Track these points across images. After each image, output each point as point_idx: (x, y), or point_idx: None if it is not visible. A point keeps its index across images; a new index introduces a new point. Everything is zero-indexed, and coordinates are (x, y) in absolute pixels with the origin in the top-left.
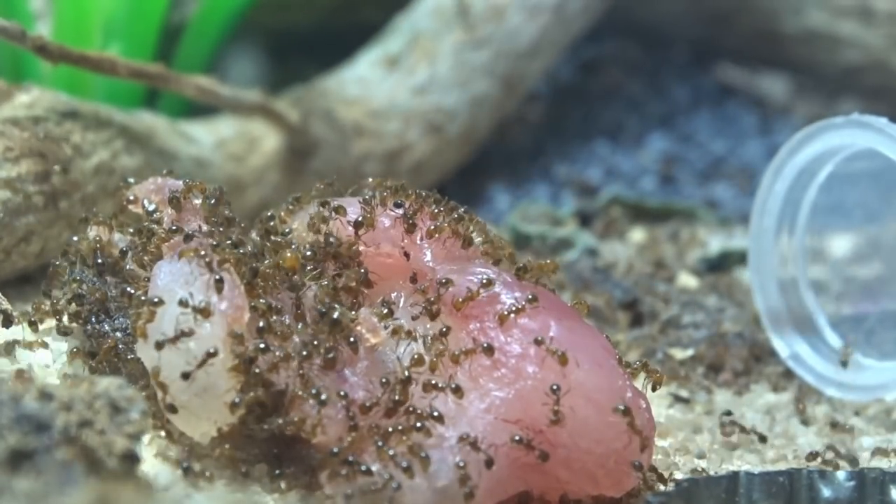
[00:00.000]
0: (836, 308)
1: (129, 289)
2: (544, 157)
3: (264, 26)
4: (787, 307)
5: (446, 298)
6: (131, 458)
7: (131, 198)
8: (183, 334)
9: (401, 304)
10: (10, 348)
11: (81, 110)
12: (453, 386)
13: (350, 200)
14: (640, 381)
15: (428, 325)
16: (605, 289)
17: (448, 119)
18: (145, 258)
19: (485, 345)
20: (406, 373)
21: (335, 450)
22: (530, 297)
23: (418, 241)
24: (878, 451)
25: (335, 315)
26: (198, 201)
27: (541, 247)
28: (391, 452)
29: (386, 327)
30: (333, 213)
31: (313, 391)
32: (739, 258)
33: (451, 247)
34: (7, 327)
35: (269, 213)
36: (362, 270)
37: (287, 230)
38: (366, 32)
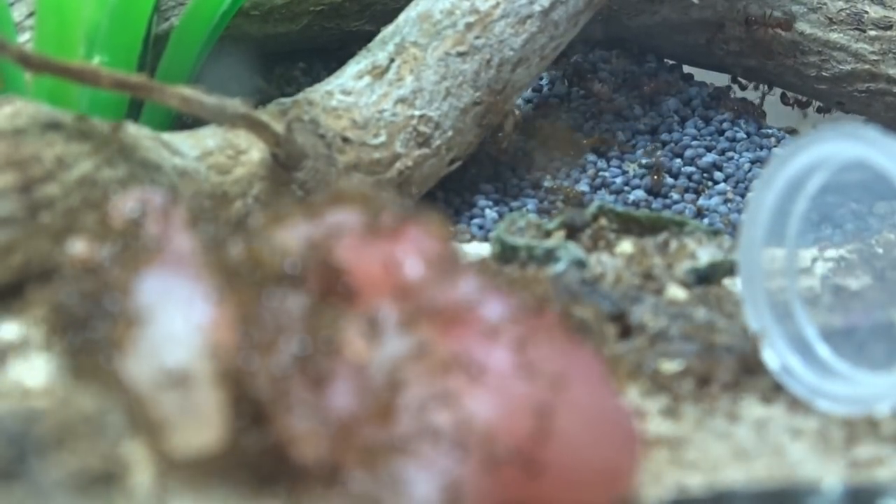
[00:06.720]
0: (827, 320)
1: (109, 301)
2: (532, 168)
3: (250, 36)
4: (777, 319)
5: (433, 313)
6: (111, 475)
7: (114, 209)
8: (165, 347)
9: (387, 319)
10: None
11: (64, 121)
12: (440, 403)
13: (334, 212)
14: (628, 396)
15: (414, 341)
16: (593, 301)
17: (434, 129)
18: (126, 270)
19: (472, 361)
20: (392, 389)
21: (319, 466)
22: (518, 311)
23: (405, 255)
24: (869, 464)
25: (320, 329)
26: (182, 213)
27: (528, 259)
28: (376, 470)
29: (372, 342)
30: (320, 227)
31: (297, 406)
32: (729, 270)
33: (438, 260)
34: None
35: (250, 222)
36: (347, 284)
37: (271, 242)
38: (353, 43)
